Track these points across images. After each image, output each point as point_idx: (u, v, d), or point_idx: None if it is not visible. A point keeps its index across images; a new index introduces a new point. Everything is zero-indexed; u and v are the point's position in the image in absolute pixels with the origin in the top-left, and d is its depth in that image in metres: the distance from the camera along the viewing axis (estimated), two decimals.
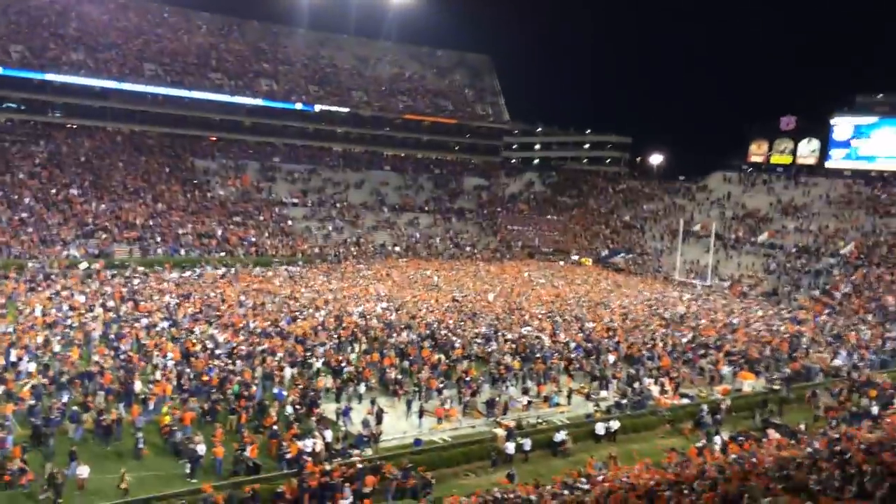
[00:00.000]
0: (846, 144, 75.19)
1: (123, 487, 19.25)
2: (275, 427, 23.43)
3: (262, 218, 68.05)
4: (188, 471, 20.98)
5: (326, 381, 28.77)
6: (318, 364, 30.56)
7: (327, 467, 20.73)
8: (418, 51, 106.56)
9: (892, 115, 72.02)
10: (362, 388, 28.66)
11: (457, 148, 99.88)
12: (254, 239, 62.88)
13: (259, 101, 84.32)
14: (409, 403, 27.05)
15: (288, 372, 29.04)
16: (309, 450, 21.79)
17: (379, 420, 25.25)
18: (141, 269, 50.19)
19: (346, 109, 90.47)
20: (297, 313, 39.24)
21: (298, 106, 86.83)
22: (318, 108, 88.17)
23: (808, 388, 32.36)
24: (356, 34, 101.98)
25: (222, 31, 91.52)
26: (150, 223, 60.22)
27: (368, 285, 50.68)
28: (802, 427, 26.44)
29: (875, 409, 28.03)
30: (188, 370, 28.15)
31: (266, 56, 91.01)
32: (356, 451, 22.92)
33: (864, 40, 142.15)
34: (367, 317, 39.67)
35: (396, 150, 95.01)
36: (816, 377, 34.07)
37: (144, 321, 34.79)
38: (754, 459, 20.38)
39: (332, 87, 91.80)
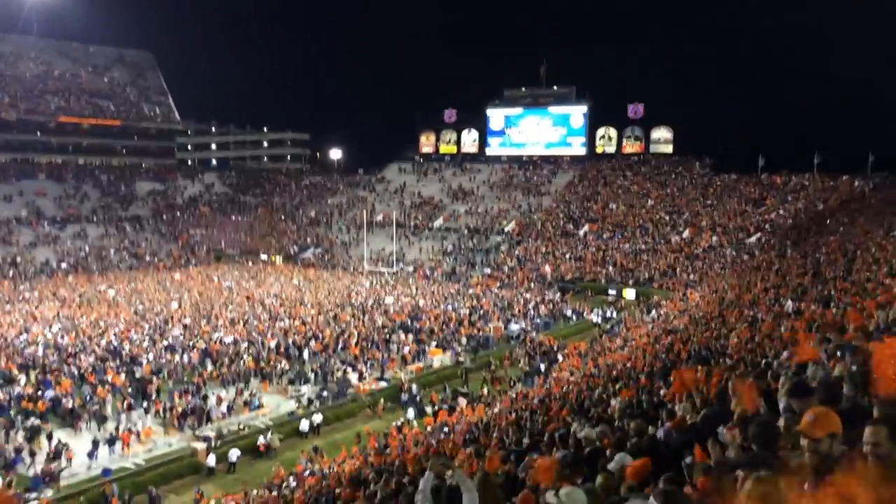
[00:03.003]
0: (501, 133, 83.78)
1: None
2: None
3: None
4: None
5: None
6: None
7: None
8: (68, 47, 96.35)
9: (534, 106, 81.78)
10: (30, 423, 25.41)
11: (124, 151, 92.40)
12: None
13: None
14: (94, 441, 24.54)
15: None
16: None
17: (57, 456, 22.72)
18: None
19: None
20: None
21: None
22: None
23: (486, 356, 35.81)
24: None
25: None
26: None
27: (33, 309, 45.08)
28: (485, 392, 29.19)
29: (543, 367, 31.91)
30: None
31: None
32: (33, 495, 20.45)
33: (508, 37, 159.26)
34: (35, 343, 35.31)
35: (52, 156, 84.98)
36: (494, 345, 37.79)
37: None
38: (446, 428, 22.11)
39: None
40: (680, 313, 33.14)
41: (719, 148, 72.00)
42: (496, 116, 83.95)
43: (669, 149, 74.74)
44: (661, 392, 11.53)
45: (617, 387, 15.85)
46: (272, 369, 32.65)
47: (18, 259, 61.50)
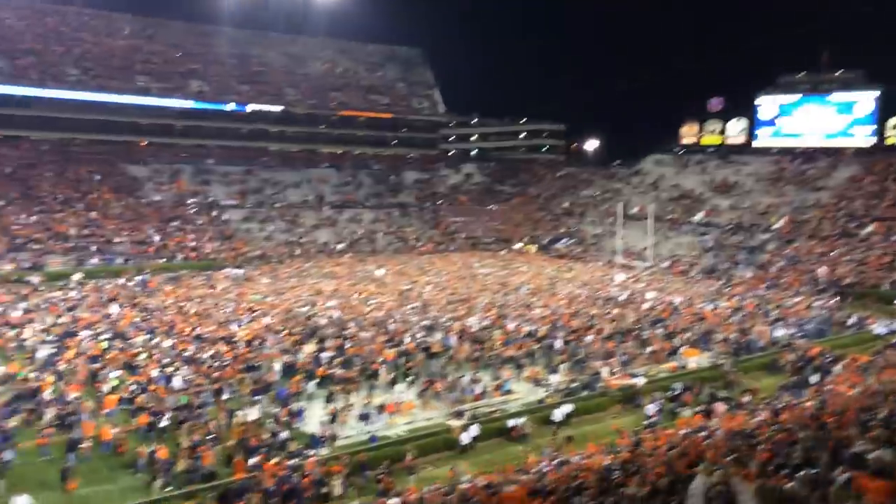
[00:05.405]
0: (772, 123, 77.70)
1: None
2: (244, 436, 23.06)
3: (200, 222, 66.65)
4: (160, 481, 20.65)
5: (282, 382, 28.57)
6: (278, 366, 30.15)
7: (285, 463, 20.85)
8: (349, 46, 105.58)
9: (813, 93, 74.73)
10: (311, 387, 28.42)
11: (394, 142, 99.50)
12: (193, 244, 61.57)
13: (189, 103, 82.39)
14: (364, 405, 26.89)
15: (249, 377, 28.79)
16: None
17: (333, 419, 25.15)
18: (76, 277, 48.79)
19: (280, 108, 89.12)
20: (245, 316, 38.66)
21: (230, 106, 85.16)
22: (250, 107, 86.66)
23: (748, 360, 33.54)
24: (284, 32, 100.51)
25: (146, 33, 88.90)
26: (85, 232, 58.36)
27: (314, 284, 50.24)
28: (747, 399, 27.32)
29: (815, 378, 29.15)
30: (132, 381, 27.54)
31: (193, 57, 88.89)
32: (311, 452, 22.78)
33: (784, 19, 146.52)
34: (316, 316, 39.35)
35: (333, 147, 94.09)
36: (757, 350, 35.28)
37: (85, 333, 33.80)
38: (703, 433, 21.03)
39: (263, 86, 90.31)
40: None
41: None
42: (768, 105, 77.95)
43: None
44: None
45: None
46: (523, 356, 33.33)
47: (303, 240, 68.85)
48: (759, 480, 9.23)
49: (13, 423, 23.20)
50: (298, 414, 25.61)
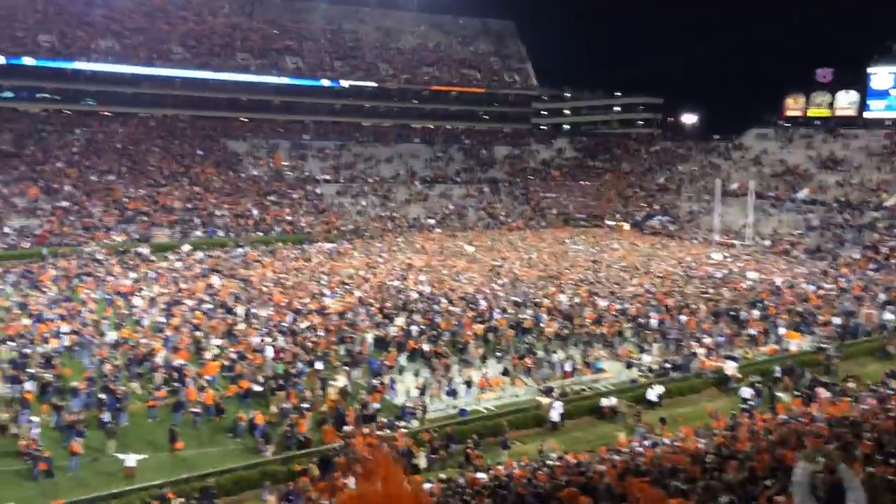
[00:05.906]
0: (885, 94, 73.06)
1: None
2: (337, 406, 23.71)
3: (295, 196, 68.45)
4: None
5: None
6: (370, 338, 30.80)
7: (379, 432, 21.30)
8: (441, 20, 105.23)
9: None
10: (403, 360, 28.93)
11: (486, 117, 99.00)
12: (289, 217, 63.34)
13: (286, 80, 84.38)
14: (449, 380, 27.18)
15: (342, 348, 29.62)
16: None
17: (423, 392, 25.53)
18: (185, 249, 51.23)
19: (373, 83, 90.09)
20: (338, 289, 39.58)
21: (325, 82, 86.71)
22: (344, 83, 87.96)
23: (855, 345, 32.00)
24: (377, 6, 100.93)
25: (244, 11, 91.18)
26: (188, 206, 60.98)
27: (405, 259, 50.86)
28: (852, 385, 26.10)
29: None
30: (232, 350, 28.72)
31: (289, 33, 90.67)
32: (402, 423, 23.20)
33: None
34: (407, 290, 39.86)
35: (425, 122, 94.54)
36: (864, 334, 33.62)
37: (190, 303, 35.41)
38: (802, 419, 20.25)
39: (357, 62, 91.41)
40: None
41: None
42: (881, 74, 73.25)
43: None
44: None
45: None
46: (614, 335, 32.86)
47: (395, 214, 69.72)
48: (866, 469, 8.83)
49: (124, 387, 24.60)
50: (390, 386, 26.14)
